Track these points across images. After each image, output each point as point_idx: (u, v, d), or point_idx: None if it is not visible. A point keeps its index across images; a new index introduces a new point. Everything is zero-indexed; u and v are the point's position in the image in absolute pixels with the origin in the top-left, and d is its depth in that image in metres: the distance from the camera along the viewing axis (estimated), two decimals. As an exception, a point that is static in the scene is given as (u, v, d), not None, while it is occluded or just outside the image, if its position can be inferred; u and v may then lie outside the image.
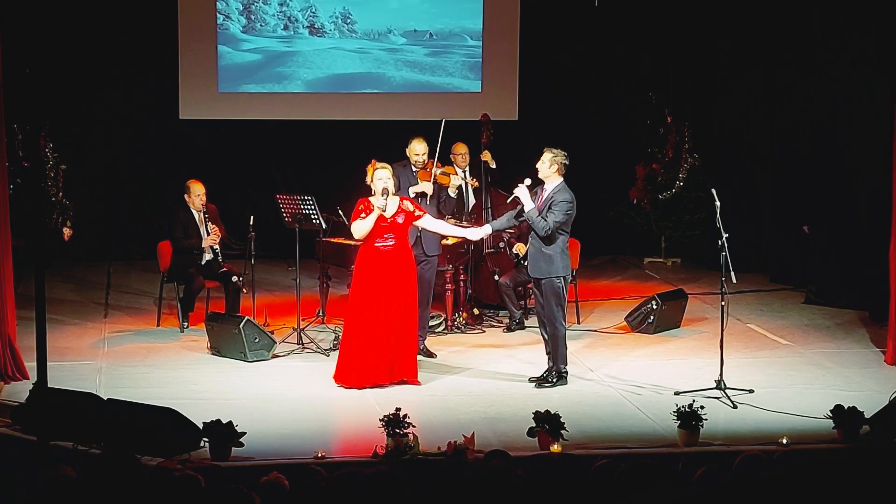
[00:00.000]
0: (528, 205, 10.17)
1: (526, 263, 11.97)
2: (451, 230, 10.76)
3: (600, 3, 15.48)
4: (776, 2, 14.21)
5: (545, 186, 10.26)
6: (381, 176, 10.19)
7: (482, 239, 11.70)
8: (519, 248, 11.90)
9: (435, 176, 11.23)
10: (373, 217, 10.11)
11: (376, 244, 10.17)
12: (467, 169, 12.53)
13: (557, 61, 15.67)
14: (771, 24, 14.34)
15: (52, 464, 7.15)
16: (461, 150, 12.48)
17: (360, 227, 10.16)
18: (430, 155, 11.32)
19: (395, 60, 15.45)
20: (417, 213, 10.31)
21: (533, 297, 10.70)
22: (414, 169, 11.23)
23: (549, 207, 10.14)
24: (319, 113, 15.34)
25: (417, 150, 11.25)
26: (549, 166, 10.22)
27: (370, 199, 10.23)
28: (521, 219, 10.39)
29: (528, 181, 10.27)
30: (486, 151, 12.50)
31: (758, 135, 14.75)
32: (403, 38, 15.46)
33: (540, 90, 15.53)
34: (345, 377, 10.17)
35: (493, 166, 12.54)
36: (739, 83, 14.83)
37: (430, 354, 10.98)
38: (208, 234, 11.91)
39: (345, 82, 15.42)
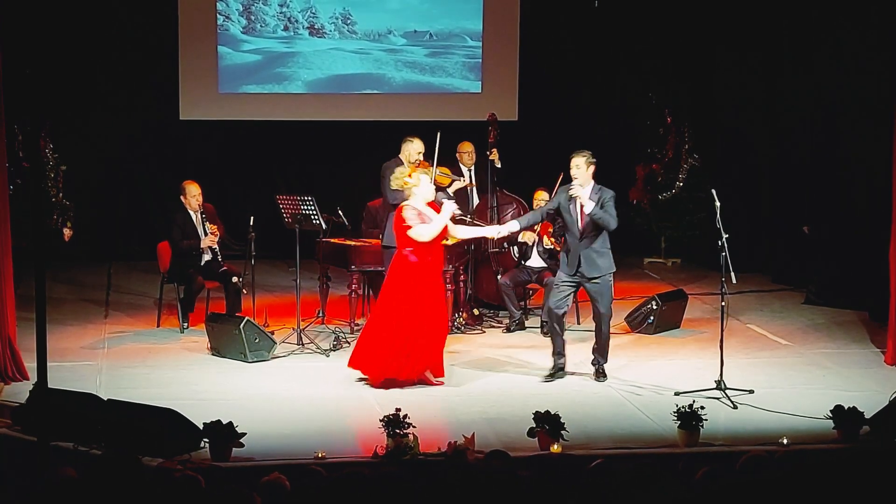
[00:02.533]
0: (590, 205, 10.26)
1: (525, 263, 12.04)
2: (476, 231, 10.81)
3: (600, 4, 15.50)
4: (776, 2, 14.22)
5: (578, 192, 10.28)
6: (426, 179, 10.14)
7: (485, 239, 11.79)
8: (526, 237, 11.90)
9: (434, 177, 11.23)
10: (446, 217, 10.03)
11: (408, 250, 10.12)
12: (473, 168, 12.56)
13: (557, 62, 15.67)
14: (771, 24, 14.34)
15: (52, 465, 7.15)
16: (467, 149, 12.52)
17: (431, 231, 10.02)
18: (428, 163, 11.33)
19: (395, 61, 15.46)
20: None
21: (550, 297, 10.62)
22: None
23: (602, 206, 10.27)
24: (320, 113, 15.34)
25: (419, 149, 11.27)
26: (587, 168, 10.33)
27: (435, 201, 10.18)
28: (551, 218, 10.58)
29: (576, 187, 10.31)
30: (494, 150, 12.44)
31: (758, 135, 14.76)
32: (403, 39, 15.47)
33: (540, 90, 15.54)
34: (358, 363, 10.16)
35: (499, 165, 12.54)
36: (739, 84, 14.83)
37: None
38: (206, 234, 11.91)
39: (345, 83, 15.42)
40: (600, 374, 10.45)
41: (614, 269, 10.43)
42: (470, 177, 12.60)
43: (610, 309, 10.43)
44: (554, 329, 10.46)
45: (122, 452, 6.62)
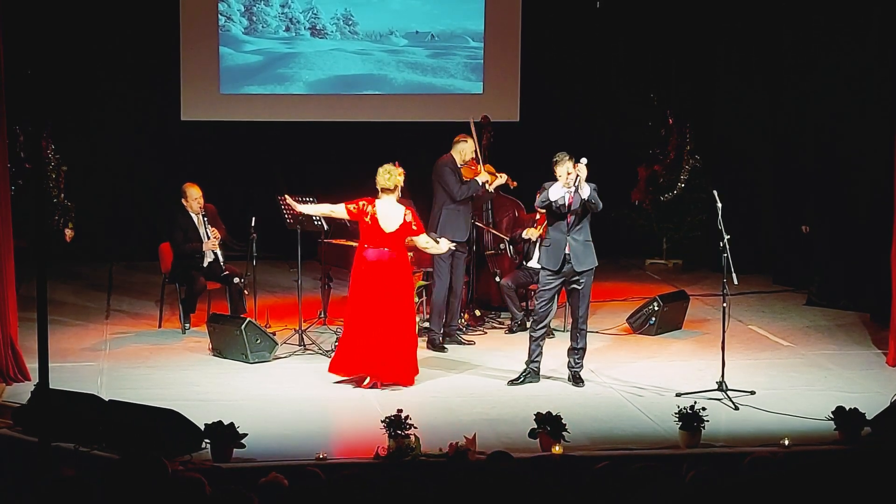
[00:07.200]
0: (586, 190, 10.16)
1: (527, 264, 12.02)
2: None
3: (602, 5, 15.50)
4: (777, 3, 14.22)
5: (583, 172, 10.25)
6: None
7: (484, 241, 11.84)
8: (529, 233, 11.86)
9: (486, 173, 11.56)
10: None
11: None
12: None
13: (559, 62, 15.68)
14: (772, 24, 14.35)
15: (53, 465, 7.14)
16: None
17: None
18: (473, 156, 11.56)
19: (396, 62, 15.47)
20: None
21: (536, 297, 10.59)
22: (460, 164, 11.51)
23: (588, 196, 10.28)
24: (321, 114, 15.35)
25: (472, 147, 11.57)
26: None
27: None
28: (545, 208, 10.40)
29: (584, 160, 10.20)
30: (507, 176, 12.16)
31: (759, 136, 14.76)
32: (405, 40, 15.47)
33: (541, 91, 15.54)
34: (336, 366, 10.22)
35: (514, 185, 12.33)
36: (741, 85, 14.84)
37: (442, 349, 11.31)
38: (208, 237, 11.90)
39: (346, 84, 15.43)
40: (579, 380, 10.38)
41: (597, 265, 10.39)
42: None
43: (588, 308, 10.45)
44: (543, 337, 10.39)
45: (147, 455, 6.54)
